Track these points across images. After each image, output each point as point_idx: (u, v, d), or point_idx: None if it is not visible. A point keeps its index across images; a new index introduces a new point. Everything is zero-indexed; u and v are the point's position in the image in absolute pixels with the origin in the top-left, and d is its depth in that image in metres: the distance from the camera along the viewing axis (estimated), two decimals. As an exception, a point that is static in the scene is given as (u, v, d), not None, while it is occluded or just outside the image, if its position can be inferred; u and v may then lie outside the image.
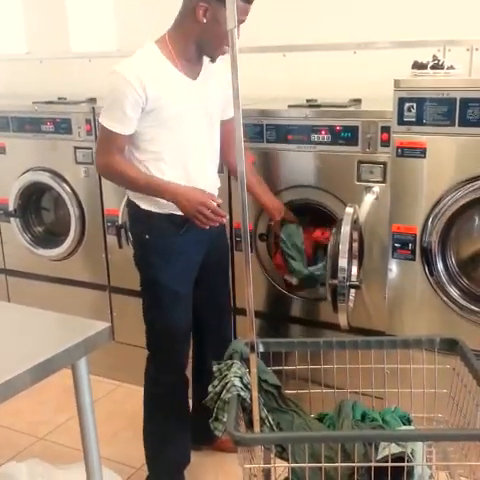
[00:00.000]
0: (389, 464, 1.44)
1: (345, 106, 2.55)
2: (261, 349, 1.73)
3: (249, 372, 1.57)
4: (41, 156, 3.15)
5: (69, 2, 3.62)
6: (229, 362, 1.65)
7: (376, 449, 1.54)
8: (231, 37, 1.35)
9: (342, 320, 2.29)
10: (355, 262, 2.42)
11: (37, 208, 3.37)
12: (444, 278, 2.25)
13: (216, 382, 1.62)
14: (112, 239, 2.96)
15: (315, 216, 2.56)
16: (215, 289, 2.40)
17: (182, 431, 2.36)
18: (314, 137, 2.47)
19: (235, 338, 2.71)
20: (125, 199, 2.29)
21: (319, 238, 2.52)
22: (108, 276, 3.13)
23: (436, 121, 2.13)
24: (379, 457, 1.53)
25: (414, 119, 2.16)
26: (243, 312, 1.51)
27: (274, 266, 2.62)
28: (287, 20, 2.84)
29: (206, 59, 2.15)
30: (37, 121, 3.12)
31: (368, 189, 2.39)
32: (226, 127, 2.21)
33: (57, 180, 3.11)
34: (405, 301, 2.33)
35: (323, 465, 1.44)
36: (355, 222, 2.33)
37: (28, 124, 3.15)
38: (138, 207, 2.17)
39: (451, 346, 1.71)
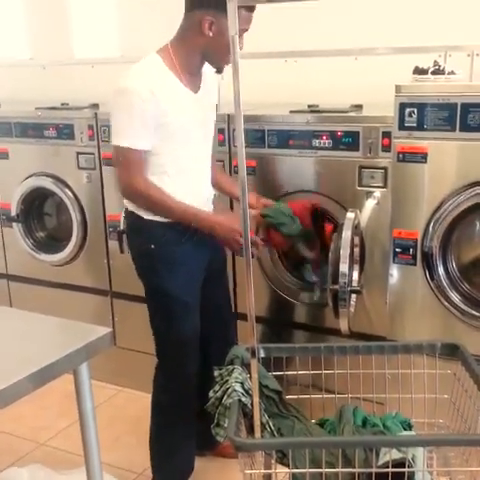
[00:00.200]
0: (390, 469, 1.43)
1: (346, 111, 2.56)
2: (262, 354, 1.73)
3: (250, 377, 1.57)
4: (44, 161, 3.16)
5: (72, 8, 3.64)
6: (230, 367, 1.65)
7: (377, 455, 1.54)
8: (232, 43, 1.35)
9: (343, 325, 2.29)
10: (356, 267, 2.42)
11: (39, 213, 3.38)
12: (445, 283, 2.25)
13: (217, 387, 1.62)
14: (114, 244, 2.96)
15: (316, 221, 2.56)
16: (217, 296, 2.40)
17: (189, 439, 2.35)
18: (315, 142, 2.48)
19: (236, 343, 2.71)
20: (124, 210, 2.26)
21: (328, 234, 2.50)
22: (110, 281, 3.14)
23: (437, 126, 2.14)
24: (380, 463, 1.52)
25: (415, 124, 2.17)
26: (244, 317, 1.51)
27: (275, 248, 2.58)
28: (289, 26, 2.85)
29: (205, 72, 2.16)
30: (40, 127, 3.13)
31: (369, 194, 2.40)
32: None
33: (59, 185, 3.12)
34: (406, 306, 2.33)
35: (324, 471, 1.44)
36: (356, 227, 2.33)
37: (31, 129, 3.17)
38: (141, 218, 2.15)
39: (452, 351, 1.71)
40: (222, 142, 2.64)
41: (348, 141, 2.41)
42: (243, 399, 1.57)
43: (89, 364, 1.64)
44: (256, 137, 2.57)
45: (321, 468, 1.43)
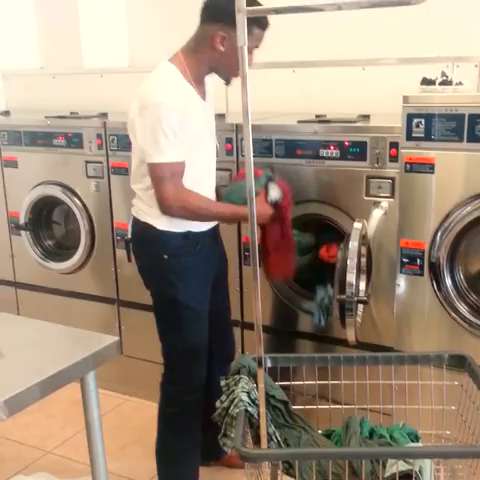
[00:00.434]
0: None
1: (354, 122, 2.56)
2: (269, 364, 1.73)
3: (257, 387, 1.57)
4: (52, 170, 3.18)
5: (82, 18, 3.66)
6: (237, 377, 1.65)
7: (384, 466, 1.53)
8: (241, 54, 1.36)
9: (350, 335, 2.28)
10: (363, 277, 2.41)
11: (48, 222, 3.40)
12: (452, 294, 2.24)
13: (224, 397, 1.62)
14: (121, 253, 2.97)
15: (323, 231, 2.57)
16: (219, 305, 2.40)
17: (195, 449, 2.33)
18: (323, 152, 2.48)
19: (243, 353, 2.71)
20: (131, 220, 2.25)
21: (324, 256, 2.52)
22: (117, 290, 3.14)
23: (445, 137, 2.14)
24: (387, 474, 1.52)
25: (423, 135, 2.17)
26: (251, 327, 1.51)
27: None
28: (297, 36, 2.87)
29: (207, 81, 2.18)
30: (49, 135, 3.15)
31: (376, 204, 2.39)
32: None
33: (68, 194, 3.14)
34: (413, 317, 2.32)
35: (330, 482, 1.43)
36: (363, 237, 2.33)
37: (40, 138, 3.19)
38: (154, 228, 2.13)
39: (459, 362, 1.70)
40: (230, 151, 2.65)
41: (355, 151, 2.42)
42: (250, 409, 1.57)
43: (96, 373, 1.64)
44: (264, 147, 2.58)
45: (327, 479, 1.42)
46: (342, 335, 2.33)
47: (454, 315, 2.24)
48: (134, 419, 3.00)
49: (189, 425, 2.28)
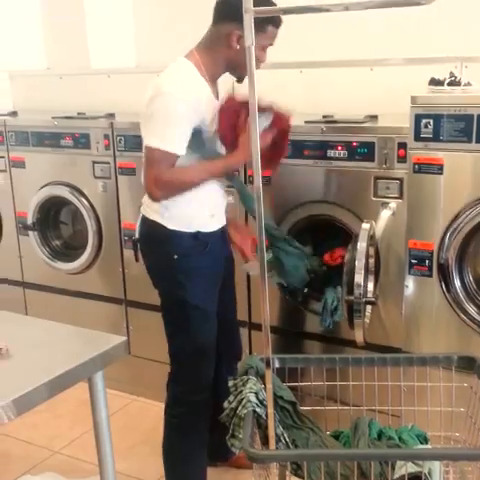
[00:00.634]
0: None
1: (361, 122, 2.55)
2: (277, 365, 1.72)
3: (265, 388, 1.57)
4: (60, 170, 3.19)
5: (89, 19, 3.67)
6: (245, 378, 1.65)
7: (392, 468, 1.53)
8: (248, 54, 1.36)
9: (358, 336, 2.27)
10: (371, 278, 2.41)
11: (55, 222, 3.41)
12: (461, 295, 2.23)
13: (232, 398, 1.62)
14: (129, 253, 2.98)
15: (331, 232, 2.56)
16: (226, 304, 2.40)
17: (202, 449, 2.33)
18: (330, 153, 2.48)
19: (250, 353, 2.70)
20: (139, 219, 2.25)
21: (328, 261, 2.51)
22: (124, 290, 3.15)
23: (453, 137, 2.13)
24: (396, 476, 1.51)
25: (431, 135, 2.16)
26: (259, 327, 1.51)
27: None
28: (304, 37, 2.86)
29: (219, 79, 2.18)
30: (56, 136, 3.16)
31: (384, 205, 2.39)
32: None
33: (75, 194, 3.14)
34: (422, 318, 2.31)
35: (339, 483, 1.43)
36: (371, 238, 2.32)
37: (47, 139, 3.20)
38: (164, 227, 2.13)
39: (469, 364, 1.69)
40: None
41: (363, 152, 2.41)
42: (258, 410, 1.57)
43: (104, 373, 1.64)
44: (271, 147, 2.58)
45: (336, 481, 1.42)
46: (350, 336, 2.32)
47: (463, 316, 2.23)
48: (142, 419, 3.00)
49: (196, 425, 2.27)
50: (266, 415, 1.55)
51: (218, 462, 2.56)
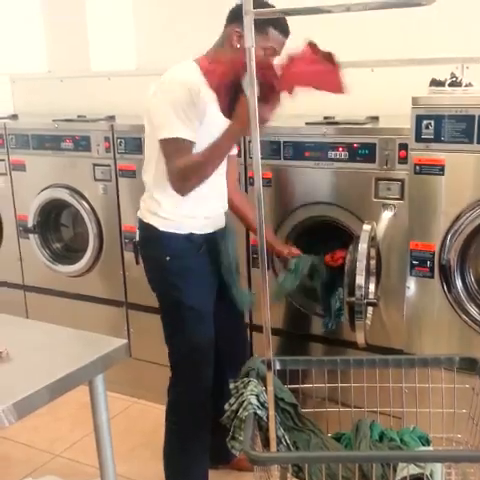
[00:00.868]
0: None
1: (363, 123, 2.55)
2: (278, 367, 1.72)
3: (266, 390, 1.56)
4: (60, 173, 3.19)
5: (90, 22, 3.68)
6: (246, 380, 1.64)
7: (394, 470, 1.52)
8: (248, 55, 1.36)
9: (359, 338, 2.27)
10: (373, 279, 2.40)
11: (56, 225, 3.40)
12: (463, 296, 2.22)
13: (233, 400, 1.61)
14: (129, 255, 2.97)
15: (332, 233, 2.56)
16: (230, 307, 2.39)
17: (203, 453, 2.32)
18: (331, 154, 2.47)
19: (252, 355, 2.70)
20: (138, 222, 2.26)
21: (329, 262, 2.51)
22: (125, 292, 3.14)
23: (454, 138, 2.12)
24: (397, 478, 1.50)
25: (432, 136, 2.16)
26: (260, 329, 1.51)
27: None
28: (304, 37, 2.86)
29: None
30: (57, 139, 3.16)
31: (386, 206, 2.38)
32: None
33: (76, 197, 3.14)
34: (423, 319, 2.31)
35: (340, 485, 1.42)
36: (373, 239, 2.32)
37: (48, 142, 3.19)
38: (156, 229, 2.15)
39: (470, 365, 1.69)
40: (238, 154, 2.65)
41: (364, 153, 2.41)
42: (259, 412, 1.56)
43: (104, 375, 1.64)
44: (272, 149, 2.58)
45: (338, 483, 1.41)
46: (352, 338, 2.32)
47: (465, 317, 2.22)
48: (143, 422, 2.99)
49: (196, 430, 2.27)
50: (267, 417, 1.55)
51: (219, 464, 2.55)
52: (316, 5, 1.38)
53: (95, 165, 3.06)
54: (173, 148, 2.02)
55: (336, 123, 2.60)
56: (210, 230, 2.20)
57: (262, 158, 1.42)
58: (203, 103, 2.02)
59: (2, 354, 1.60)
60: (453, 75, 2.28)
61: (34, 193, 3.27)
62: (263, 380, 1.60)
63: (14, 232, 3.43)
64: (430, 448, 1.73)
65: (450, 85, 2.23)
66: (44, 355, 1.64)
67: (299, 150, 2.53)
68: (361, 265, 2.17)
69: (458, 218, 2.17)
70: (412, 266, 2.28)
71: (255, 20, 1.32)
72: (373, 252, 2.36)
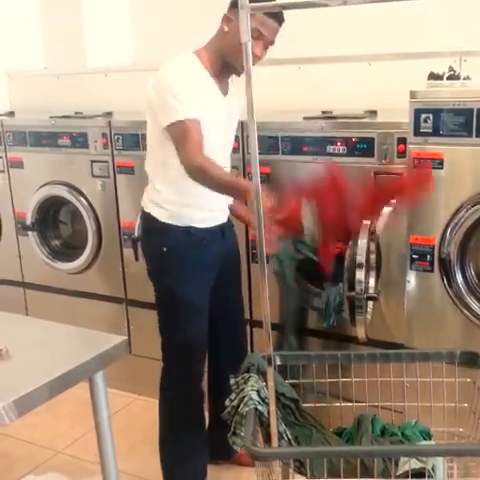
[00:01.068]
0: (409, 480, 1.42)
1: (361, 117, 2.55)
2: (278, 362, 1.72)
3: (266, 385, 1.56)
4: (58, 170, 3.18)
5: (86, 18, 3.66)
6: (246, 375, 1.64)
7: (396, 464, 1.52)
8: (245, 50, 1.35)
9: (360, 333, 2.27)
10: (373, 274, 2.39)
11: (54, 222, 3.40)
12: (463, 290, 2.22)
13: (233, 396, 1.61)
14: (129, 252, 2.97)
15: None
16: (229, 301, 2.40)
17: (199, 446, 2.33)
18: (330, 149, 2.47)
19: (252, 351, 2.70)
20: (140, 212, 2.28)
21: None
22: (125, 289, 3.14)
23: (453, 132, 2.12)
24: (399, 472, 1.51)
25: (431, 130, 2.15)
26: (260, 324, 1.50)
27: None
28: (302, 32, 2.85)
29: (236, 80, 2.17)
30: (54, 135, 3.15)
31: (385, 200, 2.37)
32: None
33: (74, 194, 3.13)
34: (424, 313, 2.31)
35: (342, 481, 1.42)
36: (372, 233, 2.31)
37: (45, 138, 3.19)
38: (156, 220, 2.16)
39: (472, 359, 1.69)
40: (236, 149, 2.64)
41: (363, 147, 2.40)
42: (259, 407, 1.56)
43: (105, 372, 1.63)
44: (270, 144, 2.57)
45: (339, 478, 1.41)
46: (352, 332, 2.31)
47: (465, 311, 2.22)
48: (143, 418, 2.99)
49: (190, 421, 2.29)
50: (268, 413, 1.55)
51: (220, 460, 2.55)
52: (313, -1, 1.37)
53: (93, 162, 3.05)
54: (179, 131, 2.01)
55: (334, 117, 2.59)
56: (211, 224, 2.19)
57: (260, 153, 1.41)
58: (198, 91, 2.03)
59: (2, 352, 1.59)
60: (451, 68, 2.27)
61: (32, 190, 3.26)
62: (263, 375, 1.60)
63: (13, 230, 3.43)
64: (432, 442, 1.74)
65: (448, 78, 2.22)
66: (44, 352, 1.64)
67: (297, 145, 2.53)
68: (361, 259, 2.16)
69: (458, 211, 2.17)
70: (412, 260, 2.27)
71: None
72: (373, 246, 2.36)
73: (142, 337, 3.05)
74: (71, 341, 1.77)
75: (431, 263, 2.24)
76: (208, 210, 2.18)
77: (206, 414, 2.40)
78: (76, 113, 3.36)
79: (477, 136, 2.09)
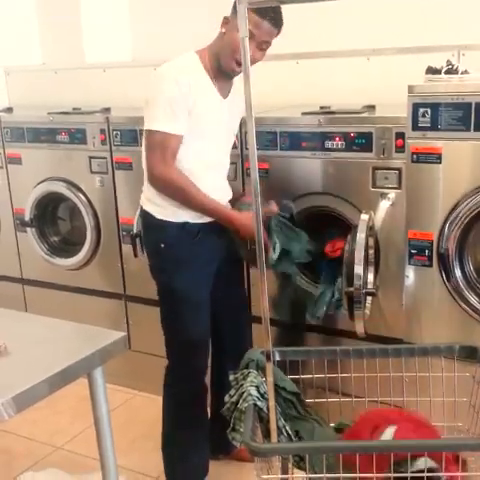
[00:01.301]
0: (409, 474, 1.42)
1: (359, 112, 2.54)
2: (277, 358, 1.72)
3: (266, 381, 1.56)
4: (56, 166, 3.18)
5: (84, 14, 3.65)
6: (245, 371, 1.64)
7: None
8: (243, 45, 1.35)
9: (359, 328, 2.27)
10: (371, 269, 2.40)
11: (53, 218, 3.39)
12: (462, 284, 2.22)
13: (233, 392, 1.61)
14: (127, 248, 2.96)
15: (330, 223, 2.55)
16: (231, 296, 2.40)
17: (201, 442, 2.34)
18: (328, 144, 2.46)
19: (251, 347, 2.70)
20: (139, 209, 2.29)
21: (328, 253, 2.50)
22: (124, 285, 3.14)
23: (451, 126, 2.12)
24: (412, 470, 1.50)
25: (429, 124, 2.15)
26: (259, 320, 1.50)
27: None
28: (300, 27, 2.84)
29: (235, 79, 2.18)
30: (52, 131, 3.14)
31: (383, 195, 2.37)
32: None
33: (72, 190, 3.13)
34: (423, 308, 2.31)
35: (341, 475, 1.42)
36: (371, 229, 2.31)
37: (43, 135, 3.18)
38: (153, 217, 2.17)
39: (471, 353, 1.69)
40: (234, 145, 2.63)
41: (361, 142, 2.40)
42: (258, 403, 1.56)
43: (104, 368, 1.63)
44: (268, 139, 2.56)
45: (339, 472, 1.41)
46: (351, 327, 2.32)
47: (464, 306, 2.22)
48: (143, 414, 3.00)
49: (193, 417, 2.30)
50: (267, 408, 1.55)
51: (220, 455, 2.56)
52: (311, -7, 1.37)
53: (91, 158, 3.05)
54: (154, 140, 2.04)
55: (332, 113, 2.59)
56: (207, 219, 2.19)
57: (258, 149, 1.41)
58: (194, 95, 2.02)
59: (1, 348, 1.59)
60: (449, 63, 2.26)
61: (30, 186, 3.26)
62: (263, 371, 1.60)
63: (11, 226, 3.42)
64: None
65: (446, 73, 2.22)
66: (43, 348, 1.64)
67: (295, 140, 2.52)
68: (359, 255, 2.16)
69: (456, 206, 2.17)
70: (410, 255, 2.27)
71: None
72: (371, 242, 2.36)
73: (141, 333, 3.05)
74: (70, 337, 1.77)
75: (430, 258, 2.24)
76: None
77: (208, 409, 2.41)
78: (74, 109, 3.36)
79: (475, 130, 2.09)
